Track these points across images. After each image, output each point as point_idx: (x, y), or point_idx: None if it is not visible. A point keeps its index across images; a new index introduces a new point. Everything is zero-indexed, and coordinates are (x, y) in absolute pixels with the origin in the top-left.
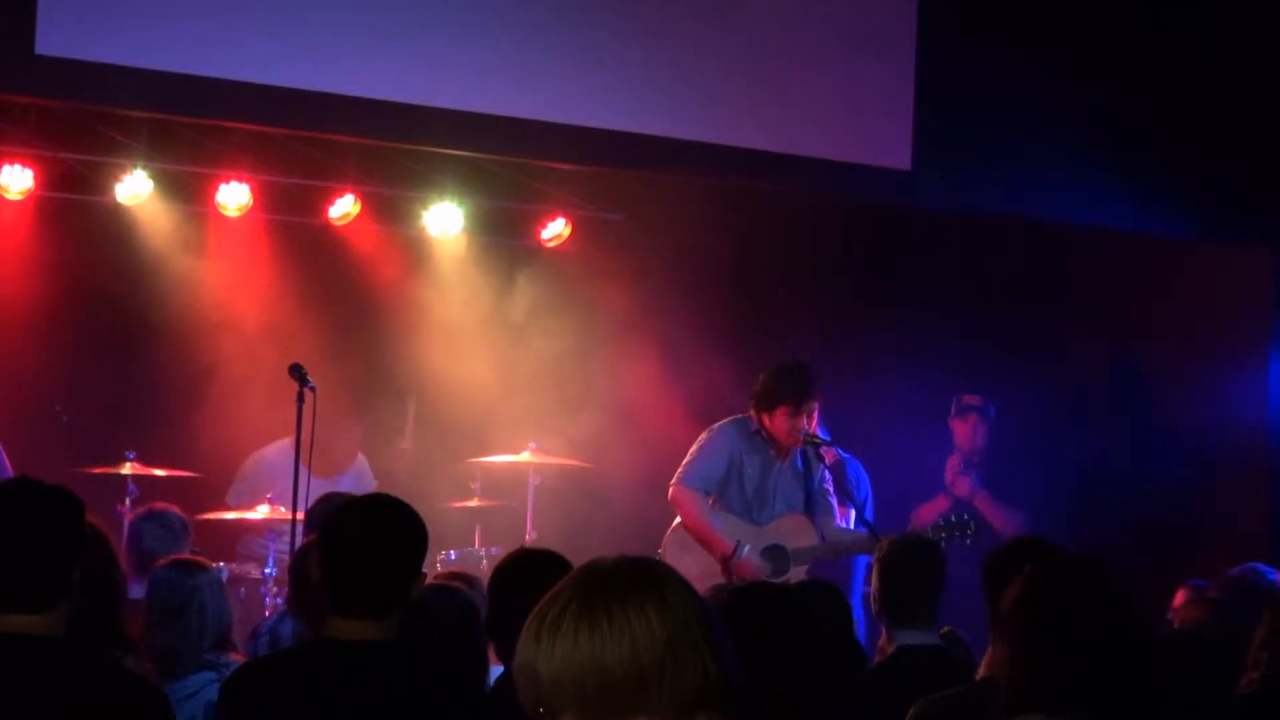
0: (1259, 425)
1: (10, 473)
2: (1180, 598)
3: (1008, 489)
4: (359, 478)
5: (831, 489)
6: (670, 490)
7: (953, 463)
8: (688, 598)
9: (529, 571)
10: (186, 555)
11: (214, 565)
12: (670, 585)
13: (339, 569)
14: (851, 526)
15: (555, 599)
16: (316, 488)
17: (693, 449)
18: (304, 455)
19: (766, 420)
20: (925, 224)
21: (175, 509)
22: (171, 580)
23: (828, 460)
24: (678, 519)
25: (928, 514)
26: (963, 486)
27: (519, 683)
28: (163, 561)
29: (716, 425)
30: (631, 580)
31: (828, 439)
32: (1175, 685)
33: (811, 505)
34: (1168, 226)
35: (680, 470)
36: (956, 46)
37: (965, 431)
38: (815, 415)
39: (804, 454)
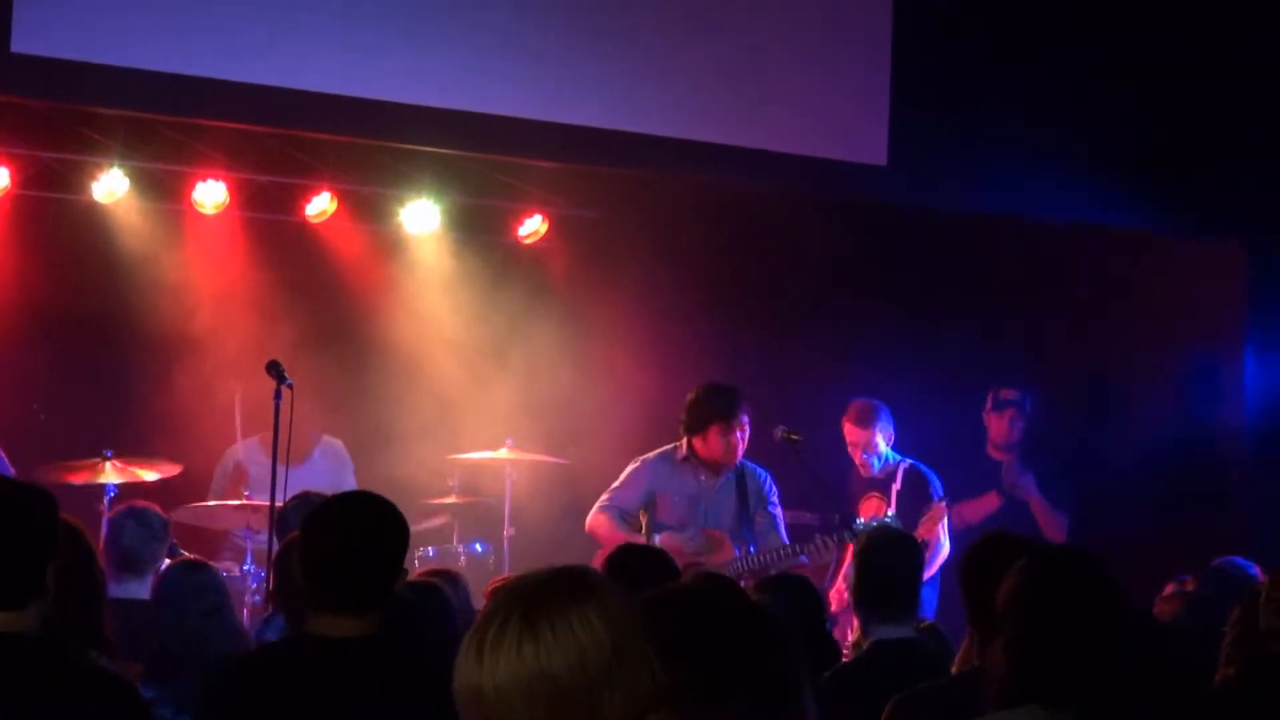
0: (1235, 418)
1: (11, 472)
2: (1168, 589)
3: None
4: (327, 457)
5: (776, 506)
6: (588, 519)
7: (1009, 462)
8: (624, 601)
9: (638, 564)
10: (193, 558)
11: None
12: (606, 589)
13: (320, 566)
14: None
15: (491, 617)
16: (283, 476)
17: (620, 476)
18: (282, 451)
19: (699, 444)
20: (901, 220)
21: (155, 507)
22: (181, 582)
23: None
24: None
25: (974, 512)
26: (1026, 489)
27: (463, 709)
28: (172, 562)
29: (644, 456)
30: (568, 588)
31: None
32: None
33: (744, 524)
34: (1143, 220)
35: (601, 499)
36: (932, 42)
37: (1001, 427)
38: (748, 429)
39: (739, 474)
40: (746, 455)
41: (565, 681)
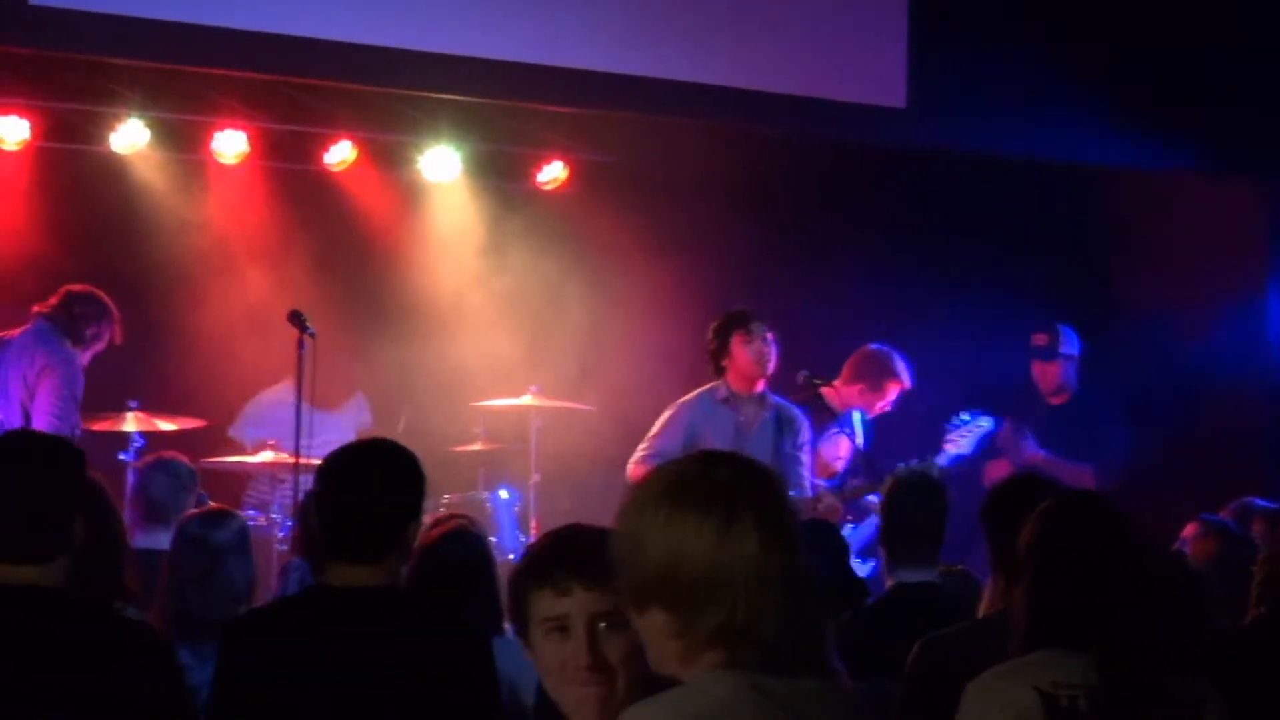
0: (1258, 358)
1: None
2: (1190, 530)
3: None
4: (359, 412)
5: (805, 454)
6: (629, 469)
7: (1005, 429)
8: (764, 532)
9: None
10: (214, 507)
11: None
12: (745, 513)
13: (331, 514)
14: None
15: (650, 484)
16: (318, 421)
17: (659, 420)
18: (307, 398)
19: (731, 370)
20: (922, 163)
21: (183, 458)
22: (198, 539)
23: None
24: None
25: (996, 471)
26: (1023, 451)
27: (623, 557)
28: (192, 514)
29: (682, 399)
30: (709, 493)
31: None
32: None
33: (779, 465)
34: (1166, 160)
35: (640, 446)
36: None
37: (1040, 375)
38: (772, 341)
39: (778, 416)
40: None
41: (648, 569)
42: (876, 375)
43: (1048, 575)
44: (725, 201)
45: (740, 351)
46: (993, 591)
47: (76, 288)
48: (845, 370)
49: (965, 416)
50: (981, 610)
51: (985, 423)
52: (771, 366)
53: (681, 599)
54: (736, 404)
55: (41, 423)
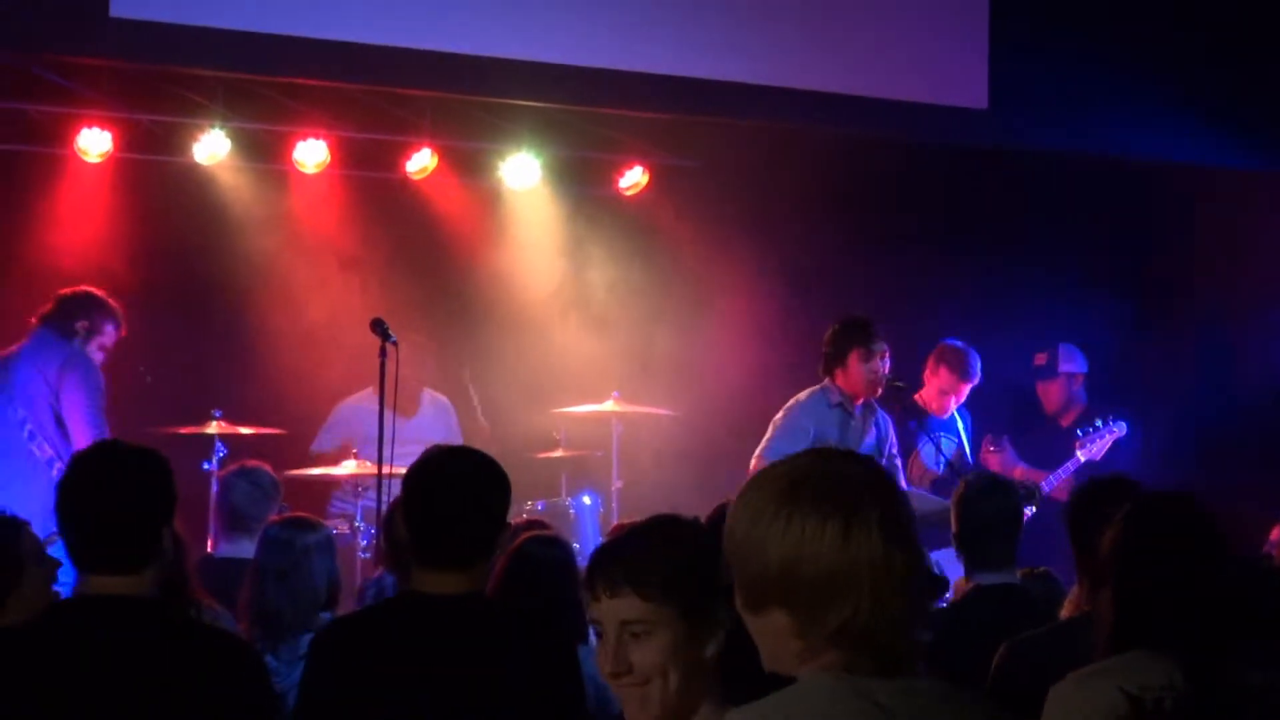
0: None
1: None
2: (1278, 533)
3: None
4: (436, 409)
5: (897, 452)
6: (751, 464)
7: (985, 441)
8: (885, 531)
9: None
10: (298, 514)
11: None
12: (869, 512)
13: (420, 522)
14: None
15: (769, 473)
16: (397, 428)
17: (776, 421)
18: (389, 407)
19: (841, 377)
20: (1003, 164)
21: (266, 466)
22: (282, 540)
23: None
24: None
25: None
26: (994, 462)
27: (737, 555)
28: (274, 519)
29: (798, 398)
30: (832, 491)
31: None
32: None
33: None
34: (1249, 161)
35: (761, 445)
36: None
37: (1041, 394)
38: (888, 359)
39: (877, 423)
40: None
41: (773, 570)
42: (950, 372)
43: (1132, 577)
44: (805, 205)
45: (856, 367)
46: (1078, 594)
47: (67, 289)
48: (925, 369)
49: (1099, 422)
50: (1066, 612)
51: (1120, 428)
52: (881, 381)
53: (804, 599)
54: (847, 409)
55: (81, 434)
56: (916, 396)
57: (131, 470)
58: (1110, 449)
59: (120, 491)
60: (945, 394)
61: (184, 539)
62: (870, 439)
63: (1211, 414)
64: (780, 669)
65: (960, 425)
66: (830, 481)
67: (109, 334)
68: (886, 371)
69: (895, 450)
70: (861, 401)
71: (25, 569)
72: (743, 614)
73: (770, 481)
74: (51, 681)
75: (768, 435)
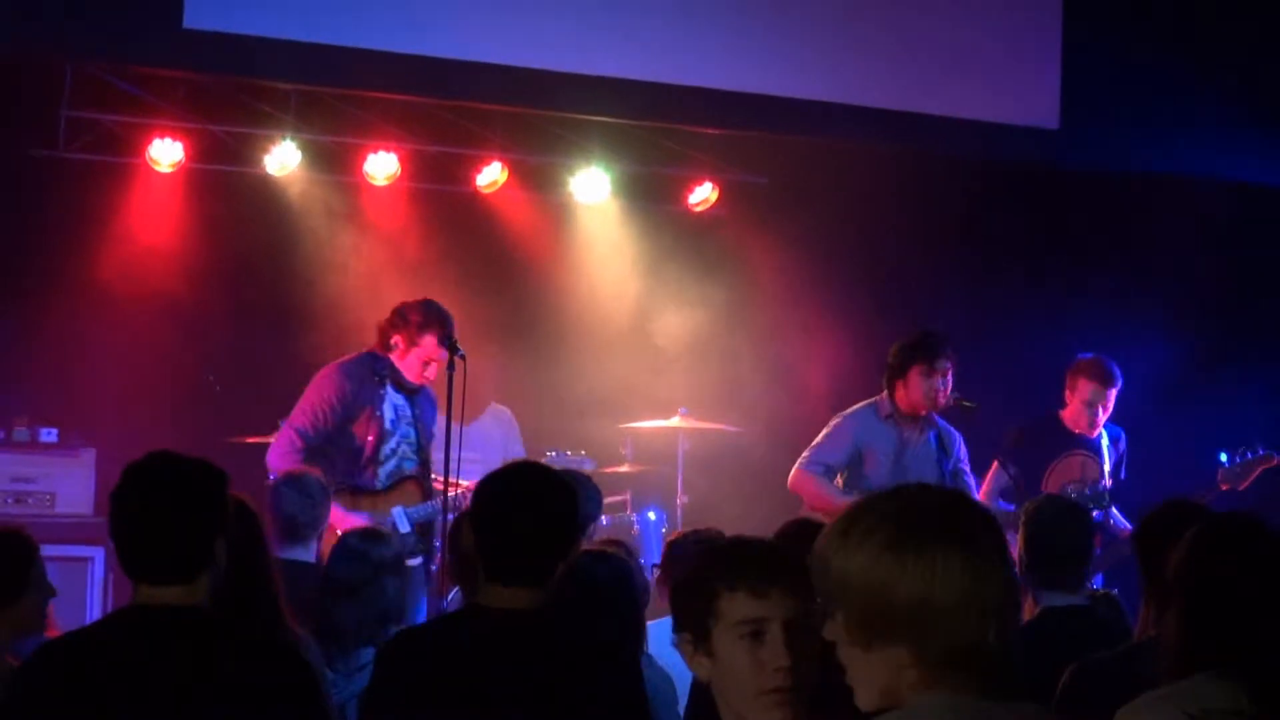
0: None
1: None
2: None
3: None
4: (497, 421)
5: (967, 469)
6: (790, 476)
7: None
8: (996, 561)
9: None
10: (374, 527)
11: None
12: (984, 541)
13: (489, 537)
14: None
15: (874, 509)
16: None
17: (824, 430)
18: (457, 420)
19: (901, 390)
20: (1074, 184)
21: (315, 472)
22: (358, 553)
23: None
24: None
25: None
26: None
27: (812, 562)
28: (351, 530)
29: (846, 411)
30: (952, 526)
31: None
32: None
33: (944, 485)
34: None
35: (805, 453)
36: (1103, 2)
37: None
38: (950, 377)
39: (938, 436)
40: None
41: (901, 607)
42: (1089, 380)
43: (1199, 600)
44: (875, 222)
45: (916, 382)
46: (1145, 616)
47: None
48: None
49: (1247, 450)
50: (1136, 635)
51: (1270, 458)
52: (943, 401)
53: (931, 632)
54: (900, 422)
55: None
56: (1063, 415)
57: (183, 480)
58: (1259, 479)
59: (170, 501)
60: (1091, 405)
61: (265, 556)
62: (924, 452)
63: (1257, 433)
64: (889, 702)
65: (1106, 443)
66: (943, 513)
67: (418, 346)
68: (949, 389)
69: (965, 466)
70: (923, 414)
71: (27, 592)
72: (847, 650)
73: (878, 519)
74: (97, 689)
75: (812, 443)
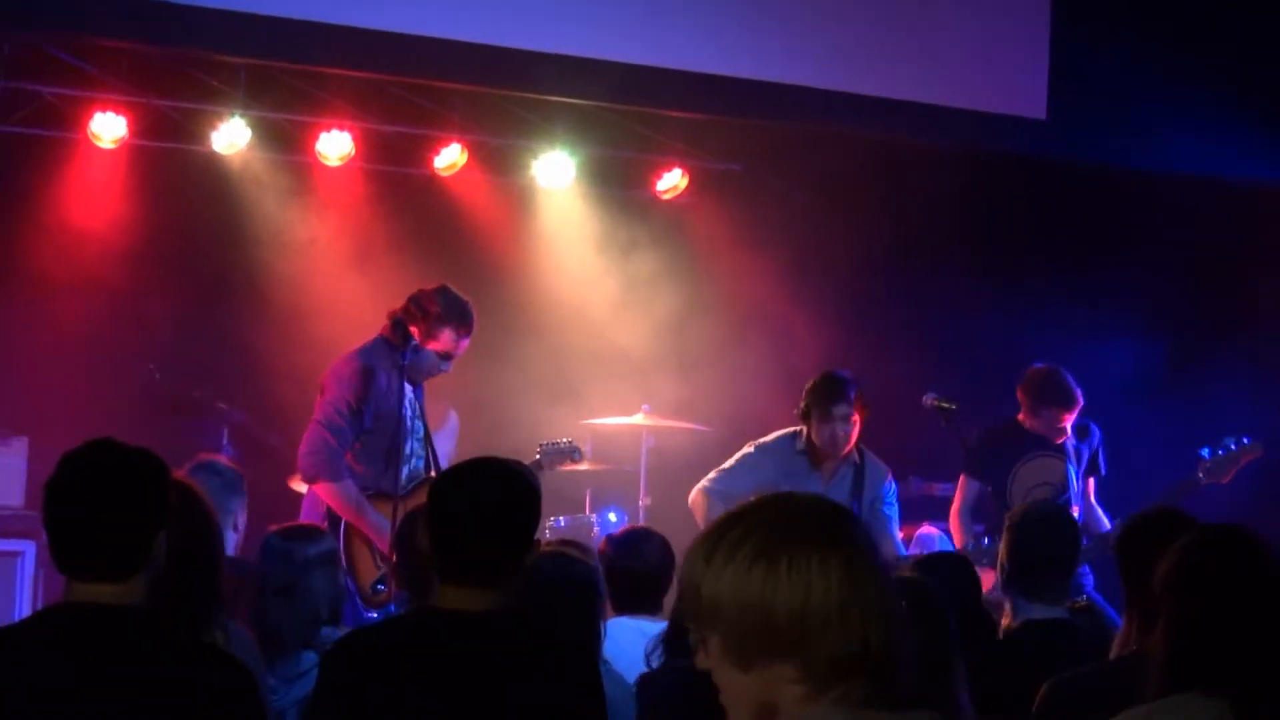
0: None
1: None
2: None
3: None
4: (452, 434)
5: (891, 503)
6: (690, 494)
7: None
8: (873, 564)
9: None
10: (300, 523)
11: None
12: (859, 546)
13: (447, 535)
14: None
15: (738, 522)
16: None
17: (736, 456)
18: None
19: (812, 433)
20: (1059, 176)
21: (222, 458)
22: (282, 553)
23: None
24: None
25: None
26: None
27: (681, 589)
28: (275, 528)
29: (761, 440)
30: (824, 532)
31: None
32: None
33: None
34: None
35: (708, 477)
36: None
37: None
38: (852, 424)
39: (856, 470)
40: (888, 432)
41: (780, 620)
42: (1031, 401)
43: (1185, 614)
44: (853, 214)
45: (815, 427)
46: (1127, 630)
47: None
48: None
49: (1229, 441)
50: (1115, 649)
51: (1255, 449)
52: (847, 449)
53: (814, 643)
54: (814, 454)
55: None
56: (1022, 419)
57: (123, 472)
58: (1241, 473)
59: (109, 494)
60: (1055, 429)
61: (213, 545)
62: (839, 488)
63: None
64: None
65: (1073, 443)
66: (811, 518)
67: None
68: (853, 435)
69: (890, 501)
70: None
71: None
72: (725, 673)
73: (743, 531)
74: (22, 688)
75: (721, 466)
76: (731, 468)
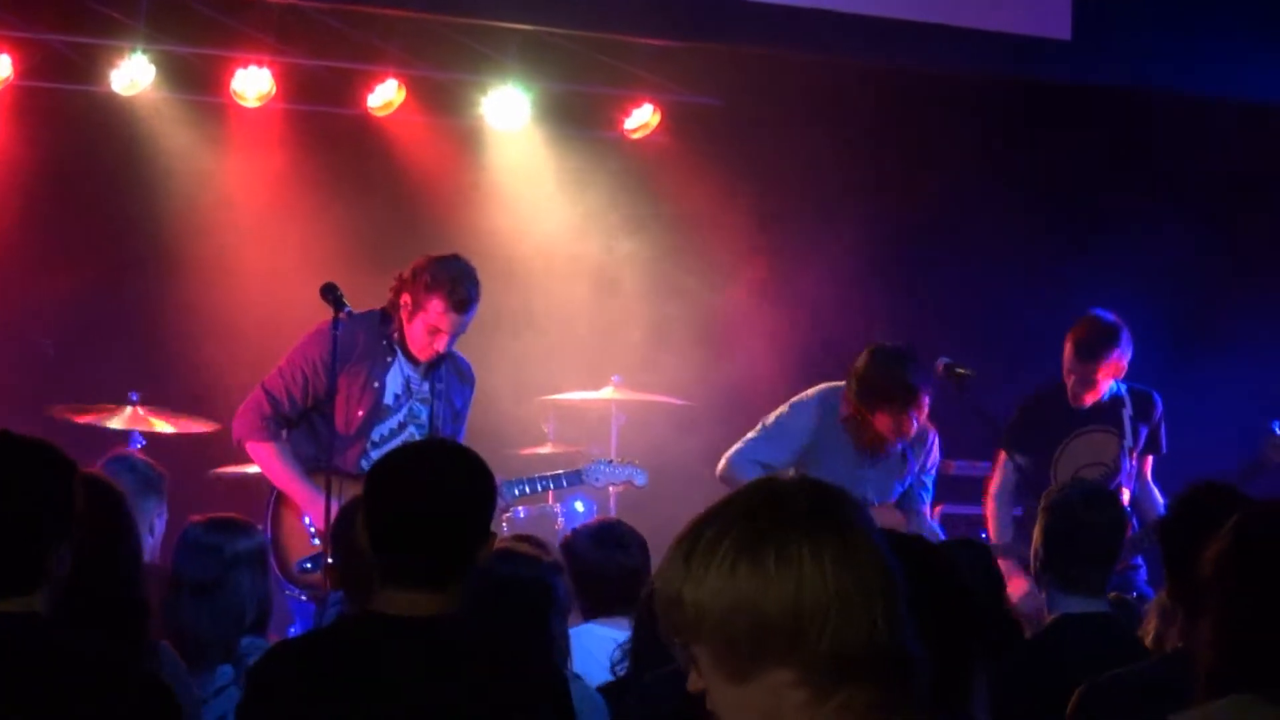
0: None
1: None
2: None
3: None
4: None
5: (929, 472)
6: (719, 466)
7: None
8: (872, 544)
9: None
10: (226, 515)
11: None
12: (854, 527)
13: (387, 530)
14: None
15: (714, 518)
16: None
17: (769, 418)
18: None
19: (866, 414)
20: (1083, 102)
21: (137, 452)
22: (204, 547)
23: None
24: None
25: None
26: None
27: (658, 603)
28: (197, 519)
29: (806, 395)
30: (811, 514)
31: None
32: None
33: (906, 497)
34: None
35: (740, 443)
36: None
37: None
38: (925, 409)
39: (911, 443)
40: None
41: (772, 619)
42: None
43: (1237, 606)
44: (848, 152)
45: (883, 422)
46: (1158, 623)
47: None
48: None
49: None
50: (1148, 640)
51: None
52: (913, 432)
53: (812, 643)
54: (861, 434)
55: None
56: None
57: (16, 472)
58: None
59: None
60: (1077, 378)
61: (128, 545)
62: (892, 460)
63: None
64: None
65: (1129, 413)
66: (797, 500)
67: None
68: (915, 427)
69: (933, 467)
70: None
71: None
72: (719, 690)
73: (720, 527)
74: None
75: (755, 429)
76: (775, 430)
